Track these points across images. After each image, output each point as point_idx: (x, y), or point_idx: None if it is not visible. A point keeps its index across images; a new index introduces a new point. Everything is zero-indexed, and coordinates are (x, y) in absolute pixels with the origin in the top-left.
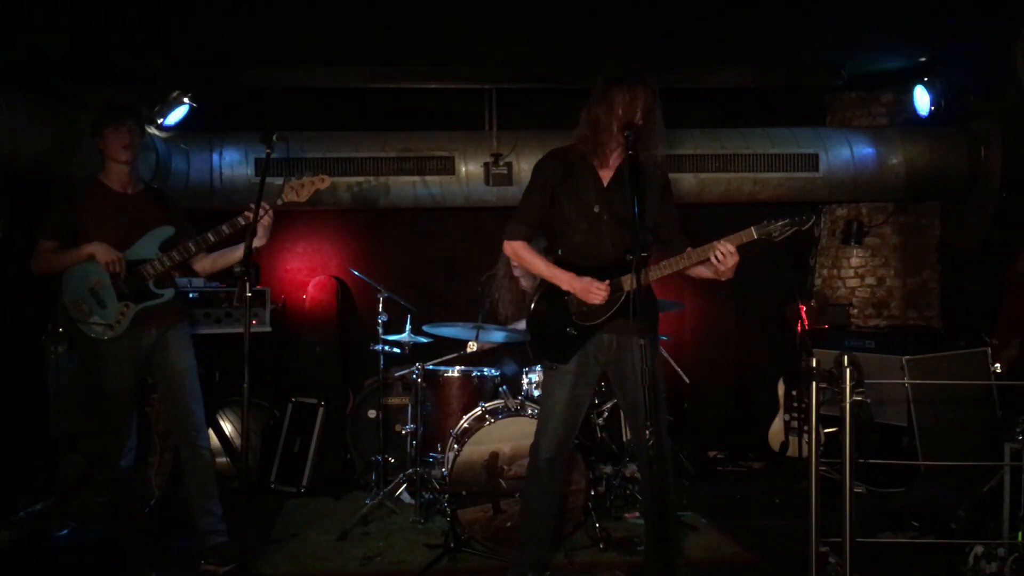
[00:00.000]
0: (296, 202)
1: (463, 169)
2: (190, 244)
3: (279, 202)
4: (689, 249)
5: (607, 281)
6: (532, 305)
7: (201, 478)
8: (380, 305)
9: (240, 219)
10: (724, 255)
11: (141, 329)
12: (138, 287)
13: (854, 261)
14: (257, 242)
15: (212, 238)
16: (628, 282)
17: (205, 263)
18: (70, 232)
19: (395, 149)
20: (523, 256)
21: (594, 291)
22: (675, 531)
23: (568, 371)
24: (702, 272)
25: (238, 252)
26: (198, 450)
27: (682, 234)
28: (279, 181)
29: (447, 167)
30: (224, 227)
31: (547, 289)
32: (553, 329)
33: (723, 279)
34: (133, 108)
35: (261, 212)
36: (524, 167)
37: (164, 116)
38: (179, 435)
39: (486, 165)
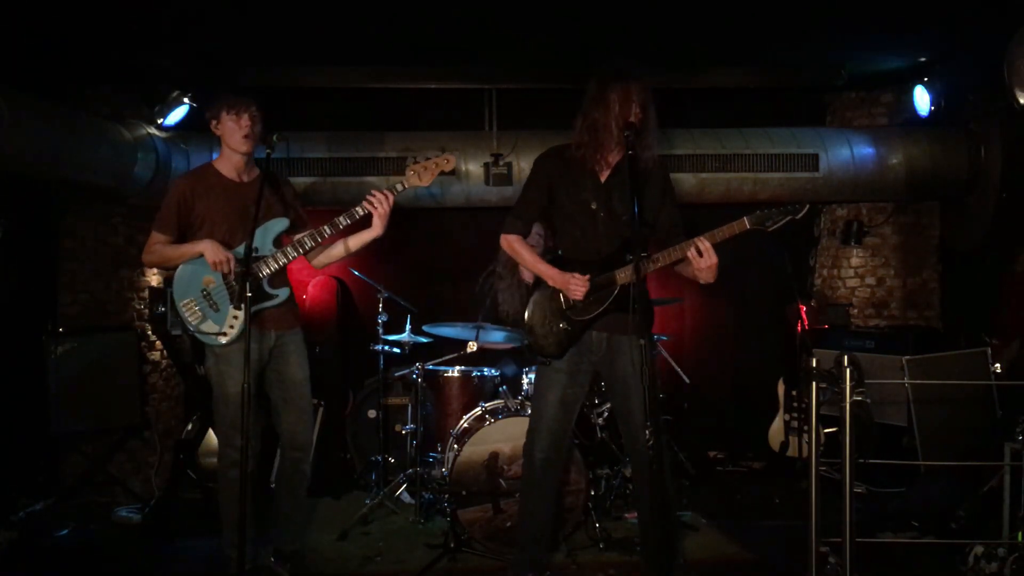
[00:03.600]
0: (419, 186)
1: (463, 169)
2: (306, 239)
3: (399, 187)
4: (670, 248)
5: (587, 276)
6: (527, 298)
7: (295, 492)
8: (380, 305)
9: (358, 209)
10: (700, 252)
11: (258, 331)
12: (252, 287)
13: (854, 261)
14: (373, 232)
15: (329, 231)
16: (620, 276)
17: (321, 257)
18: (180, 224)
19: (395, 149)
20: (516, 250)
21: (573, 285)
22: (674, 531)
23: (560, 370)
24: (686, 272)
25: (351, 243)
26: (299, 466)
27: (681, 233)
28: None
29: None
30: (341, 219)
31: (542, 285)
32: (547, 324)
33: (701, 281)
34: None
35: (378, 201)
36: (524, 167)
37: (164, 116)
38: (284, 447)
39: (486, 165)
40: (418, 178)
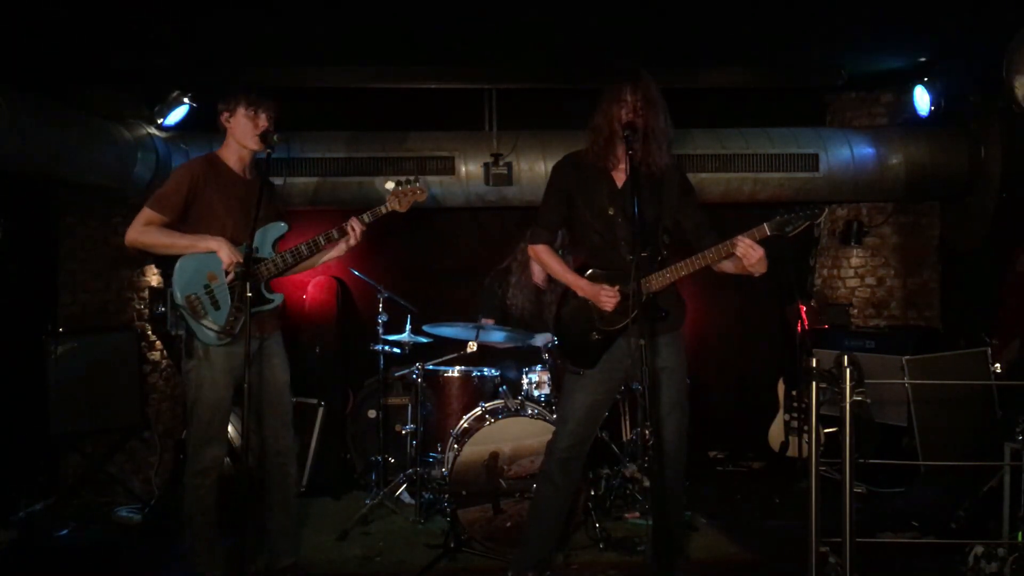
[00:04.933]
0: (398, 211)
1: (463, 169)
2: (303, 247)
3: (382, 210)
4: (706, 251)
5: (617, 287)
6: (557, 310)
7: (285, 500)
8: (380, 305)
9: (335, 231)
10: (746, 249)
11: (244, 336)
12: (252, 290)
13: (854, 261)
14: (337, 252)
15: (323, 241)
16: (648, 284)
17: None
18: (183, 209)
19: (395, 149)
20: (544, 260)
21: (604, 297)
22: (680, 532)
23: (592, 376)
24: (728, 267)
25: (322, 256)
26: (286, 469)
27: (712, 232)
28: (279, 181)
29: (447, 167)
30: (334, 231)
31: (570, 294)
32: (578, 334)
33: (755, 274)
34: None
35: (355, 233)
36: (524, 167)
37: (164, 116)
38: (268, 453)
39: (486, 165)
40: (397, 203)
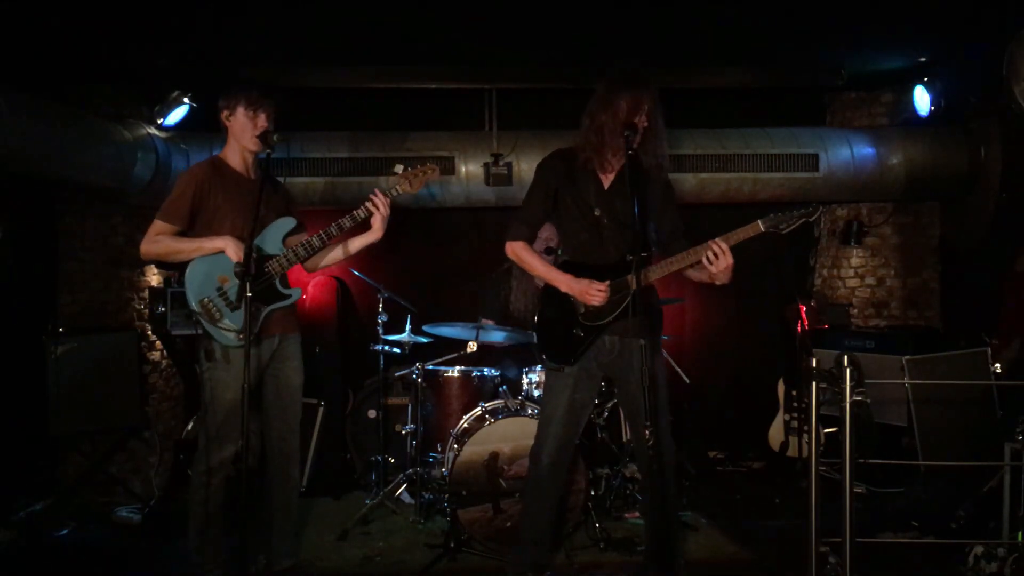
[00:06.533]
0: (408, 192)
1: (463, 169)
2: (314, 239)
3: (393, 192)
4: (691, 249)
5: (607, 282)
6: (541, 308)
7: (287, 502)
8: (380, 305)
9: (360, 211)
10: (716, 254)
11: (263, 333)
12: (265, 287)
13: (854, 261)
14: (373, 236)
15: (335, 231)
16: (631, 282)
17: (316, 259)
18: (191, 215)
19: (395, 149)
20: (523, 257)
21: (593, 292)
22: (676, 531)
23: (571, 374)
24: (697, 275)
25: (351, 245)
26: (289, 472)
27: (682, 238)
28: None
29: (447, 167)
30: (345, 220)
31: (551, 290)
32: (560, 330)
33: (717, 282)
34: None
35: (380, 202)
36: (524, 167)
37: (164, 116)
38: (273, 455)
39: (486, 165)
40: (408, 184)
